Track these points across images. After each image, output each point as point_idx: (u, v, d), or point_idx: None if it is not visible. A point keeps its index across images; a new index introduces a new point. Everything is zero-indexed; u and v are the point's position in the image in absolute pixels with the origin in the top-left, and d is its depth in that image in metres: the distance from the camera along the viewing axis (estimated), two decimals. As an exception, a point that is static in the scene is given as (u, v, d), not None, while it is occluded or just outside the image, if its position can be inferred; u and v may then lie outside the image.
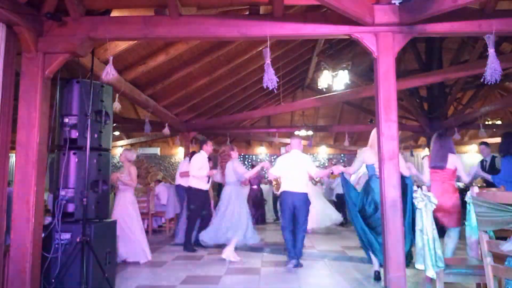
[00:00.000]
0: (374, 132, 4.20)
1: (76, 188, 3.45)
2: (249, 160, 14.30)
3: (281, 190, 5.06)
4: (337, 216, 7.87)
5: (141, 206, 7.75)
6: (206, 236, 5.31)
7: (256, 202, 9.52)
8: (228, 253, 5.10)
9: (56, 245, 3.31)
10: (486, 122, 10.73)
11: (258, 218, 9.40)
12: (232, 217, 5.21)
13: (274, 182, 9.11)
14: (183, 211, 6.54)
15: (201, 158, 5.90)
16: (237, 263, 5.00)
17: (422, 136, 11.44)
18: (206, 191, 6.02)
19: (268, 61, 3.46)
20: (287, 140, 13.19)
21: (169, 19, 3.47)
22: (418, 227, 2.98)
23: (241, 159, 14.52)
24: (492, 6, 3.34)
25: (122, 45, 4.69)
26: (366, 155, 4.20)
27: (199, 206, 5.88)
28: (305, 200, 4.89)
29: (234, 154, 5.54)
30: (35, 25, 3.26)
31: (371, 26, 3.32)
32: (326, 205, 8.04)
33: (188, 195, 6.02)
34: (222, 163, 5.58)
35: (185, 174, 6.45)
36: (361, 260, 5.04)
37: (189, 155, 6.63)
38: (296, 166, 4.94)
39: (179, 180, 7.11)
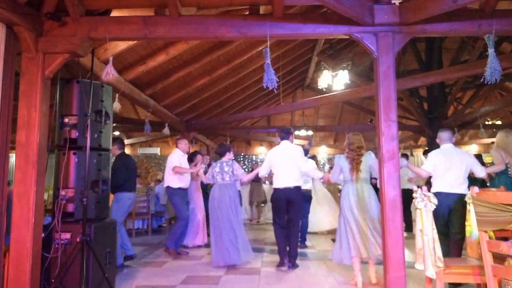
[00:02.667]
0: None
1: (76, 188, 3.45)
2: (249, 160, 14.29)
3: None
4: None
5: (141, 206, 7.77)
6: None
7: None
8: None
9: (56, 245, 3.31)
10: (486, 122, 10.74)
11: None
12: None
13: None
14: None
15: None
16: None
17: (422, 136, 11.44)
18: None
19: (268, 61, 3.46)
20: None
21: (169, 19, 3.47)
22: (418, 227, 2.98)
23: (241, 159, 14.53)
24: (492, 6, 3.34)
25: (122, 45, 4.69)
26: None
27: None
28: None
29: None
30: (35, 25, 3.26)
31: (371, 26, 3.32)
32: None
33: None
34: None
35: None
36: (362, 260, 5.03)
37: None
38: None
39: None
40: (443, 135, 4.15)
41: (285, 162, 4.73)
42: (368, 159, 4.03)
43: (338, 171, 4.19)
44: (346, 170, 4.08)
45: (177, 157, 5.75)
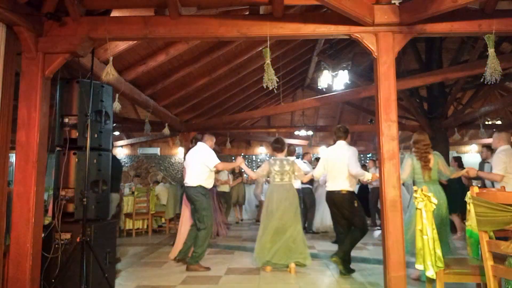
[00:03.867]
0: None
1: (76, 188, 3.45)
2: (249, 160, 14.29)
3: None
4: None
5: (141, 206, 7.77)
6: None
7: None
8: None
9: (56, 245, 3.31)
10: (486, 122, 10.73)
11: None
12: None
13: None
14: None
15: None
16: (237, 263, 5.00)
17: (422, 136, 11.42)
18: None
19: (268, 61, 3.46)
20: (287, 140, 13.19)
21: (169, 19, 3.47)
22: (418, 227, 2.98)
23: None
24: (492, 6, 3.34)
25: (122, 45, 4.69)
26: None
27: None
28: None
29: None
30: (35, 25, 3.26)
31: (371, 26, 3.32)
32: None
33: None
34: None
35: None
36: (362, 260, 5.04)
37: None
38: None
39: None
40: (504, 136, 4.20)
41: (338, 164, 4.45)
42: (437, 159, 4.01)
43: (409, 170, 4.08)
44: (418, 170, 4.01)
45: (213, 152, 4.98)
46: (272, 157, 4.92)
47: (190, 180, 4.77)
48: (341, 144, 4.55)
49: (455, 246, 4.17)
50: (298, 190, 5.22)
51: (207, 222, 4.64)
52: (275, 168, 4.70)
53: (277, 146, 4.87)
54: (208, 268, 4.61)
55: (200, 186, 4.71)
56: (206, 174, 4.79)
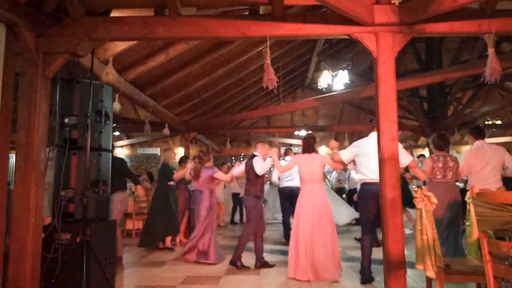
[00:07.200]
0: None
1: (76, 188, 3.45)
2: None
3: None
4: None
5: (141, 206, 7.77)
6: None
7: None
8: None
9: (56, 245, 3.30)
10: (486, 122, 10.74)
11: None
12: None
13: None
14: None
15: None
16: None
17: (422, 136, 11.44)
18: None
19: (268, 61, 3.46)
20: (287, 140, 13.22)
21: (169, 19, 3.47)
22: (418, 227, 2.98)
23: (241, 159, 14.52)
24: (492, 6, 3.34)
25: (122, 45, 4.69)
26: None
27: None
28: None
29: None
30: (35, 25, 3.26)
31: (370, 26, 3.32)
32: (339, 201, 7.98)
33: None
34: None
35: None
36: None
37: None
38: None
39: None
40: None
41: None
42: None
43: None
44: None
45: None
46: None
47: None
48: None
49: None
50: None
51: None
52: (439, 164, 4.25)
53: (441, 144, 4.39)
54: None
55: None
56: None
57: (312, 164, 4.49)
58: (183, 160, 6.99)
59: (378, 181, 3.54)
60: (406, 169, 4.73)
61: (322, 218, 4.31)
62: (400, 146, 3.98)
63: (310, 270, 4.17)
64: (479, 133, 4.41)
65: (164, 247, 5.98)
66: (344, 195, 9.80)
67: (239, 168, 5.35)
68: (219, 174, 5.37)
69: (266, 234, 7.68)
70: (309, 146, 4.62)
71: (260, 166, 4.82)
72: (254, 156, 4.98)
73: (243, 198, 5.11)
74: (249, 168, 4.92)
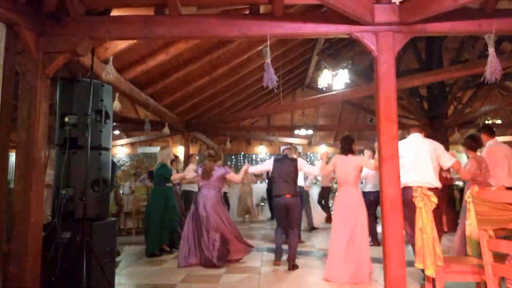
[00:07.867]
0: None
1: (76, 188, 3.45)
2: (249, 160, 14.30)
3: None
4: None
5: (141, 205, 7.77)
6: None
7: None
8: None
9: (56, 245, 3.30)
10: (486, 122, 10.73)
11: None
12: None
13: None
14: None
15: None
16: (237, 262, 5.00)
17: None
18: None
19: (268, 60, 3.46)
20: (287, 140, 13.22)
21: (169, 18, 3.47)
22: (417, 226, 2.98)
23: (241, 158, 14.53)
24: (492, 6, 3.34)
25: (122, 45, 4.69)
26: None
27: None
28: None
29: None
30: (35, 25, 3.26)
31: (371, 26, 3.32)
32: None
33: None
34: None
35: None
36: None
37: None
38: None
39: None
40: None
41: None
42: None
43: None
44: None
45: None
46: None
47: None
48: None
49: None
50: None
51: None
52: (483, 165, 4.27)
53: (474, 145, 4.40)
54: None
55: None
56: None
57: (347, 166, 4.40)
58: (173, 159, 6.66)
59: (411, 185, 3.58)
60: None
61: (353, 221, 4.23)
62: (441, 147, 3.98)
63: (346, 272, 4.10)
64: (492, 132, 4.42)
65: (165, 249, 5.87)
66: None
67: (260, 167, 5.50)
68: (232, 176, 5.25)
69: (266, 232, 7.72)
70: (345, 147, 4.54)
71: (309, 166, 5.21)
72: (285, 157, 5.17)
73: (291, 201, 4.81)
74: (294, 168, 4.87)
